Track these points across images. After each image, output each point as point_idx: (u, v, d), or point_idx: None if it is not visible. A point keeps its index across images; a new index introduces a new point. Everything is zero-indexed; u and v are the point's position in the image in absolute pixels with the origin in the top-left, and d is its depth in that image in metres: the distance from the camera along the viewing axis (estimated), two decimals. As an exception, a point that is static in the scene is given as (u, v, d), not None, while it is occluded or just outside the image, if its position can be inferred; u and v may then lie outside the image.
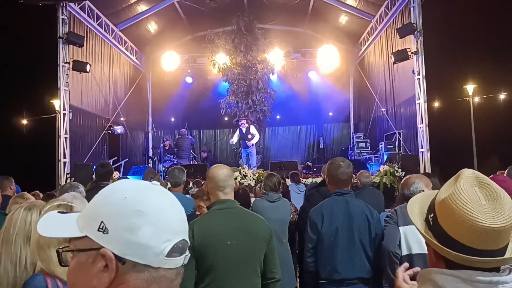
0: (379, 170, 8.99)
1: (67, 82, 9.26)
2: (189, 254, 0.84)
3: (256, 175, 9.01)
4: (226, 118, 14.36)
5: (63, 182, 8.61)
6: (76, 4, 9.82)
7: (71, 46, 9.36)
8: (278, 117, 14.92)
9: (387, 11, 10.96)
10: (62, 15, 9.18)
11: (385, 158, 10.48)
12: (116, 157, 11.32)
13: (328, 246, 2.87)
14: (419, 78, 9.23)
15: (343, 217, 2.89)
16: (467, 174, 1.01)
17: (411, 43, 9.38)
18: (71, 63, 9.26)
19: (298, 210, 4.60)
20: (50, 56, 9.57)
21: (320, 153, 15.22)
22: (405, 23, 9.53)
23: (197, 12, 12.66)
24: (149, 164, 12.47)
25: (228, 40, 13.28)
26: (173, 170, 4.32)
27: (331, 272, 2.84)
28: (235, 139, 12.04)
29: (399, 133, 10.72)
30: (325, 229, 2.89)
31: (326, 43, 13.90)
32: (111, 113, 11.83)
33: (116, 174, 8.97)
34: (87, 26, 10.47)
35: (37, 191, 4.58)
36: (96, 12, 10.92)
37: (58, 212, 0.88)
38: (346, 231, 2.87)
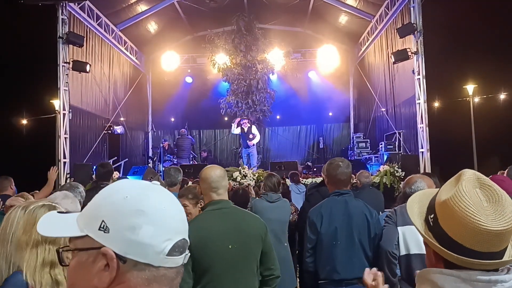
0: (379, 170, 8.99)
1: (67, 82, 9.26)
2: (189, 254, 0.85)
3: (256, 175, 9.00)
4: (226, 118, 14.36)
5: (63, 182, 8.60)
6: (76, 4, 9.82)
7: (71, 46, 9.36)
8: (278, 117, 14.93)
9: (387, 11, 10.96)
10: (62, 15, 9.18)
11: (385, 158, 10.48)
12: (116, 157, 11.32)
13: (327, 246, 2.87)
14: (419, 78, 9.23)
15: (342, 217, 2.89)
16: (469, 175, 1.00)
17: (411, 43, 9.38)
18: (71, 63, 9.26)
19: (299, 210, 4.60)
20: (50, 56, 9.57)
21: (320, 153, 15.22)
22: (405, 23, 9.53)
23: (197, 12, 12.66)
24: (149, 164, 12.47)
25: (228, 40, 13.28)
26: (169, 169, 4.33)
27: (330, 272, 2.84)
28: (236, 131, 12.00)
29: (399, 133, 10.72)
30: (324, 229, 2.89)
31: (326, 43, 13.90)
32: (111, 113, 11.83)
33: (116, 174, 8.97)
34: (87, 26, 10.47)
35: (37, 191, 4.57)
36: (96, 12, 10.92)
37: (58, 212, 0.88)
38: (345, 231, 2.87)
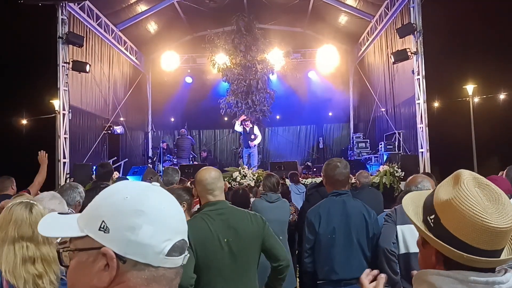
0: (379, 170, 8.97)
1: (66, 82, 9.26)
2: (188, 254, 0.85)
3: (256, 175, 9.00)
4: (226, 118, 14.36)
5: (62, 182, 8.61)
6: (76, 4, 9.81)
7: (70, 46, 9.36)
8: (278, 117, 14.91)
9: (387, 11, 10.96)
10: (61, 15, 9.18)
11: (384, 158, 10.48)
12: (115, 157, 11.32)
13: (325, 247, 2.88)
14: (419, 78, 9.23)
15: (340, 217, 2.89)
16: (467, 175, 1.01)
17: (411, 43, 9.38)
18: (71, 63, 9.26)
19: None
20: (49, 56, 9.58)
21: (320, 153, 15.21)
22: (404, 23, 9.54)
23: (197, 12, 12.66)
24: (149, 165, 12.47)
25: (227, 40, 13.28)
26: (167, 169, 4.35)
27: (328, 273, 2.85)
28: (239, 128, 12.00)
29: (399, 133, 10.72)
30: (322, 230, 2.89)
31: (325, 43, 13.89)
32: (111, 113, 11.83)
33: (116, 174, 8.96)
34: (86, 26, 10.48)
35: (39, 192, 4.57)
36: (96, 12, 10.92)
37: (59, 213, 0.89)
38: (343, 231, 2.87)
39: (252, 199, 4.86)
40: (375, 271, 1.34)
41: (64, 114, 9.17)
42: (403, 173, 8.45)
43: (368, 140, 13.00)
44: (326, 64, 14.04)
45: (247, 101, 13.23)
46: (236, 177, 8.85)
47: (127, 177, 9.56)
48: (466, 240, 0.96)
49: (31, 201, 1.93)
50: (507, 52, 16.50)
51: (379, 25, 11.69)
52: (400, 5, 10.01)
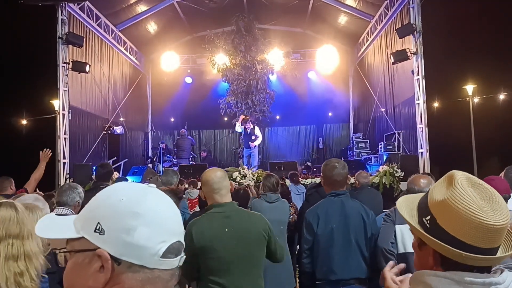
0: (379, 171, 8.97)
1: (66, 83, 9.26)
2: (184, 256, 0.85)
3: (256, 175, 9.01)
4: (225, 119, 14.36)
5: (62, 183, 8.61)
6: (76, 4, 9.82)
7: (70, 46, 9.36)
8: (277, 117, 14.91)
9: (387, 12, 10.97)
10: (61, 15, 9.19)
11: (384, 159, 10.48)
12: (115, 158, 11.32)
13: (324, 247, 2.88)
14: (419, 79, 9.23)
15: (338, 217, 2.90)
16: (461, 175, 1.02)
17: (411, 43, 9.39)
18: (71, 63, 9.26)
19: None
20: (49, 57, 9.59)
21: (320, 153, 15.21)
22: (404, 24, 9.54)
23: (197, 12, 12.66)
24: (149, 165, 12.47)
25: (227, 40, 13.29)
26: (167, 170, 4.37)
27: (327, 273, 2.85)
28: (239, 129, 12.00)
29: (399, 134, 10.73)
30: (320, 230, 2.89)
31: (325, 44, 13.89)
32: (111, 114, 11.83)
33: (115, 174, 8.97)
34: (86, 26, 10.48)
35: (40, 192, 4.57)
36: (96, 13, 10.92)
37: (56, 214, 0.90)
38: (341, 231, 2.87)
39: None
40: (402, 265, 1.30)
41: (64, 114, 9.18)
42: (403, 173, 8.45)
43: (368, 140, 13.01)
44: (326, 64, 14.04)
45: (247, 101, 13.23)
46: (236, 177, 8.85)
47: (127, 177, 9.57)
48: (463, 239, 0.96)
49: (10, 201, 1.94)
50: (506, 52, 16.52)
51: (379, 25, 11.69)
52: (400, 5, 10.01)
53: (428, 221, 1.03)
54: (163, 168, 11.54)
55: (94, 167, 8.38)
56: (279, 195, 4.33)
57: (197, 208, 5.17)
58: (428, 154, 9.05)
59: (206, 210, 2.53)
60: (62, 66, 9.17)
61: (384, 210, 4.44)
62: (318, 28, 13.95)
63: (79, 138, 10.09)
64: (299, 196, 6.55)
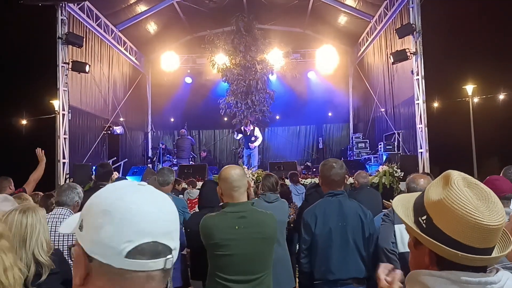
0: (378, 171, 8.98)
1: (66, 83, 9.27)
2: (170, 258, 0.80)
3: (256, 175, 9.01)
4: (225, 119, 14.37)
5: (62, 183, 8.61)
6: (76, 4, 9.82)
7: (70, 46, 9.37)
8: (277, 117, 14.92)
9: (386, 12, 10.97)
10: (61, 15, 9.19)
11: (384, 159, 10.48)
12: (115, 158, 11.32)
13: (322, 247, 2.89)
14: (418, 79, 9.23)
15: (336, 217, 2.90)
16: (457, 175, 1.02)
17: (410, 43, 9.39)
18: (70, 63, 9.27)
19: (298, 210, 4.60)
20: (49, 57, 9.59)
21: (320, 153, 15.22)
22: (404, 24, 9.54)
23: (197, 12, 12.66)
24: (149, 165, 12.47)
25: (227, 40, 13.29)
26: (162, 169, 4.35)
27: (325, 273, 2.86)
28: (238, 137, 12.03)
29: (398, 134, 10.73)
30: (318, 230, 2.90)
31: (325, 44, 13.90)
32: (111, 114, 11.84)
33: (115, 174, 8.97)
34: (86, 26, 10.48)
35: (40, 193, 4.57)
36: (96, 13, 10.93)
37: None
38: (339, 231, 2.88)
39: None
40: (392, 265, 1.34)
41: (63, 115, 9.18)
42: (402, 173, 8.45)
43: (368, 140, 13.01)
44: (325, 64, 14.04)
45: (246, 101, 13.24)
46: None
47: (127, 177, 9.57)
48: (459, 239, 0.96)
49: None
50: (506, 52, 16.52)
51: (379, 25, 11.70)
52: (400, 5, 10.02)
53: (424, 221, 1.03)
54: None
55: (94, 167, 8.39)
56: (278, 195, 4.33)
57: (196, 209, 5.16)
58: (427, 154, 9.05)
59: (221, 207, 2.54)
60: (62, 66, 9.17)
61: (383, 210, 4.44)
62: (318, 28, 13.96)
63: (79, 138, 10.10)
64: (299, 197, 6.55)
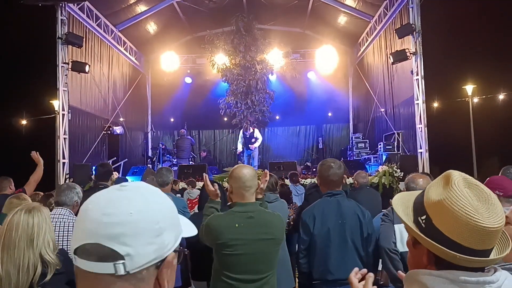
0: (378, 171, 8.98)
1: (66, 83, 9.27)
2: (120, 263, 0.74)
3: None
4: (225, 119, 14.36)
5: (62, 183, 8.61)
6: (75, 4, 9.82)
7: (70, 46, 9.36)
8: (277, 117, 14.92)
9: (386, 12, 10.97)
10: (61, 15, 9.19)
11: (384, 159, 10.48)
12: (115, 158, 11.32)
13: (320, 247, 2.89)
14: (418, 79, 9.23)
15: (335, 217, 2.91)
16: (457, 176, 1.02)
17: (410, 43, 9.39)
18: (70, 63, 9.26)
19: (298, 210, 4.59)
20: (49, 57, 9.59)
21: (319, 153, 15.21)
22: (403, 24, 9.54)
23: (196, 12, 12.66)
24: (148, 165, 12.47)
25: (227, 40, 13.29)
26: (160, 169, 4.33)
27: (324, 273, 2.86)
28: (239, 147, 12.08)
29: (398, 134, 10.73)
30: (317, 230, 2.90)
31: (325, 44, 13.90)
32: (110, 114, 11.84)
33: (115, 174, 8.97)
34: (86, 26, 10.48)
35: (41, 192, 4.57)
36: (95, 13, 10.92)
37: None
38: (338, 231, 2.88)
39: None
40: (364, 270, 1.35)
41: (63, 115, 9.18)
42: (402, 173, 8.45)
43: (368, 141, 13.01)
44: (325, 64, 14.04)
45: (246, 102, 13.23)
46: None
47: (127, 177, 9.58)
48: (458, 240, 0.96)
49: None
50: (506, 52, 16.53)
51: (378, 25, 11.70)
52: (399, 5, 10.02)
53: (424, 221, 1.02)
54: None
55: (93, 167, 8.39)
56: (278, 195, 4.33)
57: (196, 209, 5.16)
58: (427, 154, 9.05)
59: (229, 207, 2.55)
60: (62, 66, 9.17)
61: (382, 210, 4.44)
62: (317, 28, 13.96)
63: (78, 138, 10.10)
64: (298, 198, 6.53)
